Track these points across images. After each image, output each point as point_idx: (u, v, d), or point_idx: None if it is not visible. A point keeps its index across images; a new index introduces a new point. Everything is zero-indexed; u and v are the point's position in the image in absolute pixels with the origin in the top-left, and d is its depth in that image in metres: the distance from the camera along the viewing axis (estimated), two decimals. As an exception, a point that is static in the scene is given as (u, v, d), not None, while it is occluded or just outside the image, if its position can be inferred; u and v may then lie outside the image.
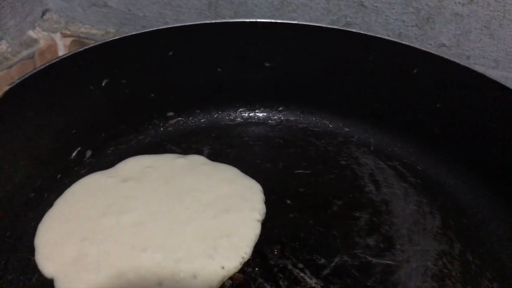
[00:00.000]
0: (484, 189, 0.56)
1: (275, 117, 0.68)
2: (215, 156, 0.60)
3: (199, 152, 0.61)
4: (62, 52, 0.83)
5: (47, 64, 0.50)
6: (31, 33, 0.79)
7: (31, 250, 0.47)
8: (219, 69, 0.63)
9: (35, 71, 0.50)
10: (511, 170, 0.53)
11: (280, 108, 0.67)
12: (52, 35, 0.83)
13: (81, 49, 0.53)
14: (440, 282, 0.47)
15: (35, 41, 0.80)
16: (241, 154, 0.61)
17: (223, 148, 0.62)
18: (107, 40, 0.54)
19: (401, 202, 0.56)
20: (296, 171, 0.59)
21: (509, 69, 0.68)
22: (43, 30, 0.82)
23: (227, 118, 0.67)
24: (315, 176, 0.58)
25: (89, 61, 0.54)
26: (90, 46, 0.53)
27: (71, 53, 0.52)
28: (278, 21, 0.61)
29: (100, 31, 0.82)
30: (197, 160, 0.59)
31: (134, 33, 0.56)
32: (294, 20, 0.65)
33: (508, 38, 0.66)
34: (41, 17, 0.81)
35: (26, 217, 0.50)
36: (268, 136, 0.65)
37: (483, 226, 0.53)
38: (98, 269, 0.44)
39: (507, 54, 0.67)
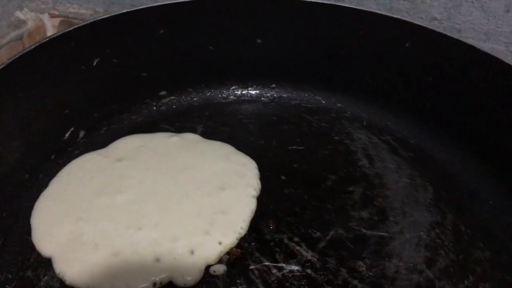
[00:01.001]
0: (475, 161, 0.56)
1: (268, 94, 0.68)
2: (209, 134, 0.60)
3: (192, 130, 0.61)
4: (51, 33, 0.83)
5: (36, 45, 0.49)
6: (19, 14, 0.78)
7: (28, 230, 0.47)
8: (211, 47, 0.62)
9: (24, 51, 0.49)
10: (501, 142, 0.53)
11: (273, 85, 0.67)
12: (40, 15, 0.82)
13: (71, 29, 0.52)
14: (433, 252, 0.48)
15: (23, 22, 0.79)
16: (234, 131, 0.61)
17: (217, 126, 0.62)
18: (97, 19, 0.54)
19: (394, 176, 0.57)
20: (290, 147, 0.59)
21: (499, 42, 0.68)
22: (31, 11, 0.81)
23: (220, 96, 0.67)
24: (309, 152, 0.59)
25: (79, 41, 0.54)
26: (80, 25, 0.53)
27: (61, 33, 0.52)
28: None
29: (88, 10, 0.81)
30: (191, 138, 0.59)
31: (124, 11, 0.56)
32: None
33: (499, 11, 0.66)
34: (28, -3, 0.80)
35: (21, 198, 0.50)
36: (261, 113, 0.65)
37: (474, 197, 0.54)
38: (95, 248, 0.44)
39: (497, 27, 0.67)
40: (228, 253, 0.46)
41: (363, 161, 0.58)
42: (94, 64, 0.56)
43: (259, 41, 0.63)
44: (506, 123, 0.51)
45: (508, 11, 0.66)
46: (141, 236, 0.45)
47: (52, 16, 0.82)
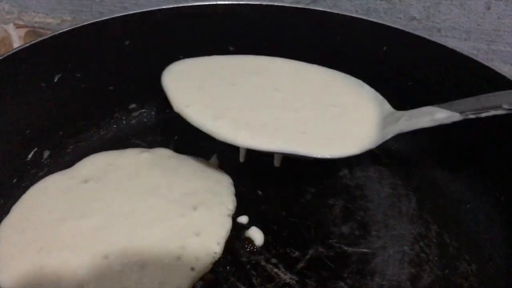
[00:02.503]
0: (459, 168, 0.54)
1: (244, 103, 0.65)
2: (182, 149, 0.58)
3: (165, 145, 0.58)
4: (16, 43, 0.79)
5: (-11, 64, 0.46)
6: (-19, 26, 0.74)
7: (-12, 262, 0.44)
8: (181, 56, 0.60)
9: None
10: (487, 148, 0.51)
11: (249, 93, 0.65)
12: (5, 26, 0.78)
13: (27, 45, 0.49)
14: (418, 268, 0.46)
15: (-13, 34, 0.76)
16: (209, 145, 0.58)
17: (190, 139, 0.59)
18: (55, 33, 0.51)
19: (376, 186, 0.55)
20: (266, 159, 0.56)
21: (481, 40, 0.66)
22: (-5, 22, 0.77)
23: (193, 107, 0.64)
24: (286, 163, 0.56)
25: (37, 57, 0.51)
26: (37, 40, 0.50)
27: (16, 49, 0.49)
28: (241, 2, 0.58)
29: (55, 19, 0.78)
30: (163, 154, 0.56)
31: (86, 23, 0.53)
32: (257, -1, 0.62)
33: (479, 8, 0.64)
34: (-8, 8, 0.76)
35: (-19, 227, 0.47)
36: (237, 124, 0.62)
37: (459, 206, 0.52)
38: (57, 281, 0.41)
39: (478, 25, 0.65)
40: (201, 279, 0.44)
41: (344, 171, 0.56)
42: (55, 80, 0.53)
43: (231, 48, 0.60)
44: (491, 130, 0.49)
45: (489, 8, 0.64)
46: (107, 266, 0.42)
47: (18, 26, 0.79)
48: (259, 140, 0.48)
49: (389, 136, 0.50)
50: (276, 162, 0.55)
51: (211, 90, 0.52)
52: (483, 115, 0.44)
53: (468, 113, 0.45)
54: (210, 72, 0.54)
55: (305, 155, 0.47)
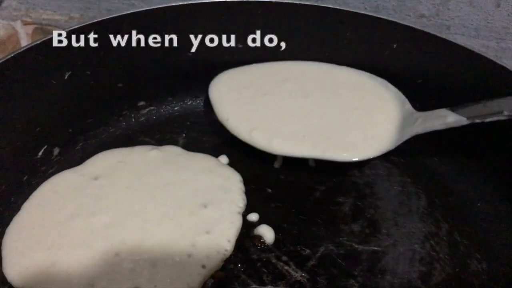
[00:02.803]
0: (469, 166, 0.54)
1: (252, 101, 0.65)
2: (191, 146, 0.58)
3: (174, 142, 0.58)
4: (24, 41, 0.79)
5: (1, 61, 0.46)
6: (-11, 23, 0.74)
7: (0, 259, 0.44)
8: (189, 54, 0.59)
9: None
10: (495, 146, 0.51)
11: (256, 91, 0.65)
12: (12, 23, 0.78)
13: (38, 42, 0.49)
14: (429, 266, 0.46)
15: (-5, 31, 0.76)
16: (217, 142, 0.59)
17: (199, 136, 0.60)
18: (66, 30, 0.51)
19: (385, 184, 0.54)
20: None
21: (490, 38, 0.66)
22: (2, 19, 0.77)
23: (202, 104, 0.64)
24: (296, 161, 0.56)
25: (48, 54, 0.51)
26: (48, 38, 0.50)
27: (27, 47, 0.49)
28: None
29: (63, 16, 0.77)
30: (172, 151, 0.56)
31: (95, 20, 0.53)
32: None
33: (489, 6, 0.64)
34: (-1, 5, 0.76)
35: (-8, 224, 0.47)
36: (245, 121, 0.62)
37: (469, 205, 0.52)
38: (68, 279, 0.41)
39: (487, 22, 0.65)
40: (212, 276, 0.44)
41: (353, 169, 0.56)
42: (66, 77, 0.53)
43: (240, 46, 0.60)
44: (500, 128, 0.49)
45: (498, 5, 0.64)
46: (118, 264, 0.42)
47: (25, 23, 0.78)
48: (289, 147, 0.53)
49: (406, 138, 0.52)
50: (277, 164, 0.56)
51: (246, 102, 0.57)
52: (487, 120, 0.47)
53: (475, 118, 0.47)
54: (247, 83, 0.60)
55: (330, 159, 0.51)
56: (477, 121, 0.47)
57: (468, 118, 0.48)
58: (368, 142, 0.52)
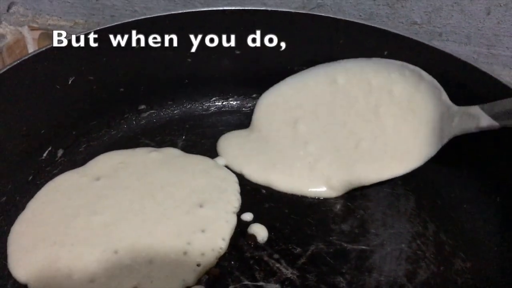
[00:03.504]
0: (457, 170, 0.56)
1: (249, 105, 0.67)
2: (190, 148, 0.60)
3: (173, 144, 0.61)
4: (31, 45, 0.82)
5: (7, 68, 0.49)
6: (-3, 29, 0.77)
7: (5, 255, 0.47)
8: (189, 59, 0.62)
9: (-4, 74, 0.49)
10: (483, 150, 0.53)
11: (254, 95, 0.67)
12: (20, 28, 0.81)
13: (43, 49, 0.52)
14: (414, 264, 0.48)
15: (2, 36, 0.78)
16: (215, 144, 0.61)
17: (198, 139, 0.62)
18: (69, 38, 0.53)
19: (375, 185, 0.56)
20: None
21: (481, 45, 0.68)
22: (10, 25, 0.80)
23: (201, 108, 0.66)
24: (290, 163, 0.58)
25: (52, 60, 0.53)
26: (51, 46, 0.52)
27: (32, 54, 0.51)
28: (246, 8, 0.60)
29: (68, 22, 0.80)
30: (171, 153, 0.58)
31: (98, 28, 0.55)
32: (263, 4, 0.64)
33: (479, 13, 0.65)
34: (7, 11, 0.79)
35: (-2, 222, 0.50)
36: (242, 124, 0.64)
37: (456, 206, 0.54)
38: (69, 275, 0.43)
39: (478, 29, 0.66)
40: (207, 273, 0.46)
41: (345, 171, 0.58)
42: (69, 82, 0.55)
43: (237, 52, 0.62)
44: (488, 133, 0.51)
45: (488, 13, 0.65)
46: (117, 260, 0.45)
47: (32, 28, 0.81)
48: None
49: (446, 141, 0.50)
50: None
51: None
52: None
53: (507, 123, 0.44)
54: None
55: (373, 182, 0.54)
56: (510, 125, 0.43)
57: (500, 123, 0.44)
58: (408, 155, 0.52)
